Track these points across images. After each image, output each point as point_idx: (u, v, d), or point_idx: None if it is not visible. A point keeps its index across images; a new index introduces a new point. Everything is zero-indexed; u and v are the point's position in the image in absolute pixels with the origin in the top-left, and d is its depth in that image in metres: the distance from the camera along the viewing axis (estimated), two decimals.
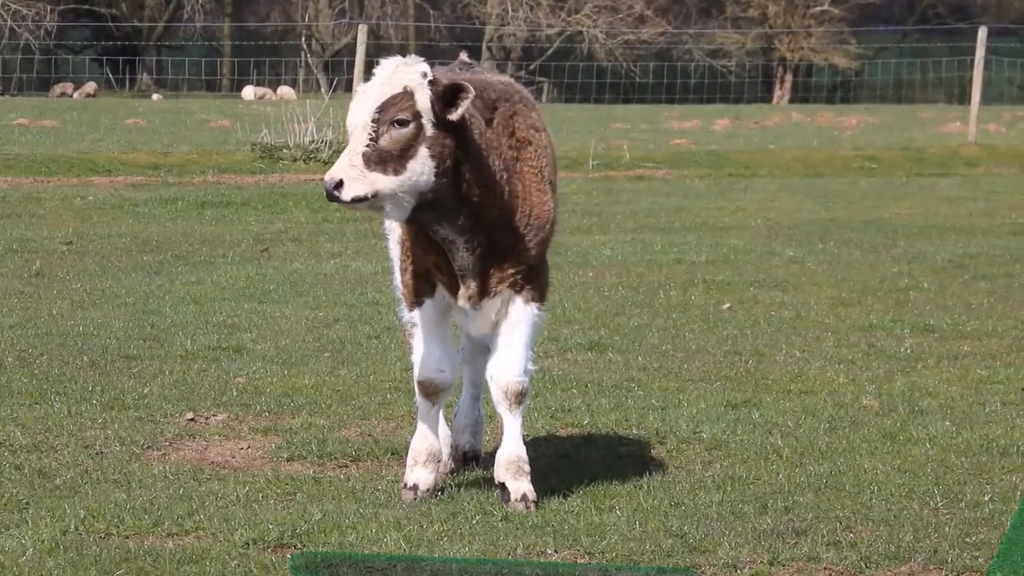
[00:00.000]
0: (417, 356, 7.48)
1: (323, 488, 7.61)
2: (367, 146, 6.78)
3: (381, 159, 6.78)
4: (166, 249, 16.87)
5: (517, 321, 7.32)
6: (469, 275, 7.21)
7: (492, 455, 7.58)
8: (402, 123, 6.83)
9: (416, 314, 7.44)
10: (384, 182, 6.78)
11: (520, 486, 7.31)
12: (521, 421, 7.40)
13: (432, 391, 7.46)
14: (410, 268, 7.41)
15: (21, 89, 54.27)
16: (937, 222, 20.50)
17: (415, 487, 7.45)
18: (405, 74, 6.88)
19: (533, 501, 7.29)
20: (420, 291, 7.41)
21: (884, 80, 61.25)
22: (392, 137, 6.81)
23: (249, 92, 53.98)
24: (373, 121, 6.80)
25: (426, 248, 7.27)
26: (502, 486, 7.36)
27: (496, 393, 7.34)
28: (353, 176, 6.74)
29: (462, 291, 7.24)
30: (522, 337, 7.33)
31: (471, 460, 8.11)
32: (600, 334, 12.01)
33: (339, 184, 6.73)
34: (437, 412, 7.57)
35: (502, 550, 6.61)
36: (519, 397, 7.33)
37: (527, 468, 7.35)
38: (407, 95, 6.84)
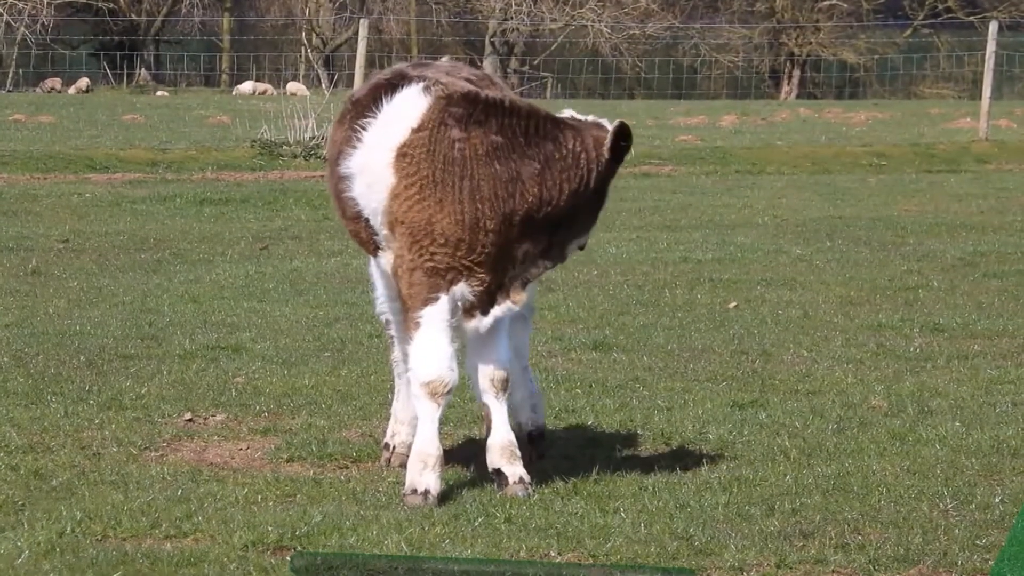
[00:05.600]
0: (426, 355, 7.42)
1: (323, 489, 7.57)
2: None
3: None
4: (164, 247, 16.80)
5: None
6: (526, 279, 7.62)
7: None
8: None
9: (426, 311, 7.42)
10: None
11: (516, 469, 7.51)
12: (506, 407, 7.59)
13: (442, 390, 7.46)
14: (425, 265, 7.39)
15: (17, 85, 54.30)
16: (947, 219, 20.38)
17: (426, 492, 7.40)
18: None
19: (529, 483, 7.48)
20: (438, 287, 7.42)
21: (893, 75, 61.15)
22: None
23: (247, 87, 53.89)
24: None
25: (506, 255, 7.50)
26: (498, 472, 7.53)
27: (483, 382, 7.57)
28: None
29: (512, 294, 7.53)
30: (503, 328, 7.59)
31: (537, 439, 8.08)
32: (605, 333, 11.93)
33: None
34: (440, 414, 7.53)
35: (505, 552, 6.60)
36: (504, 384, 7.57)
37: (519, 452, 7.56)
38: None
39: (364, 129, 7.60)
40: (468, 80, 7.67)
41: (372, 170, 7.52)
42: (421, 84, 7.55)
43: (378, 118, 7.57)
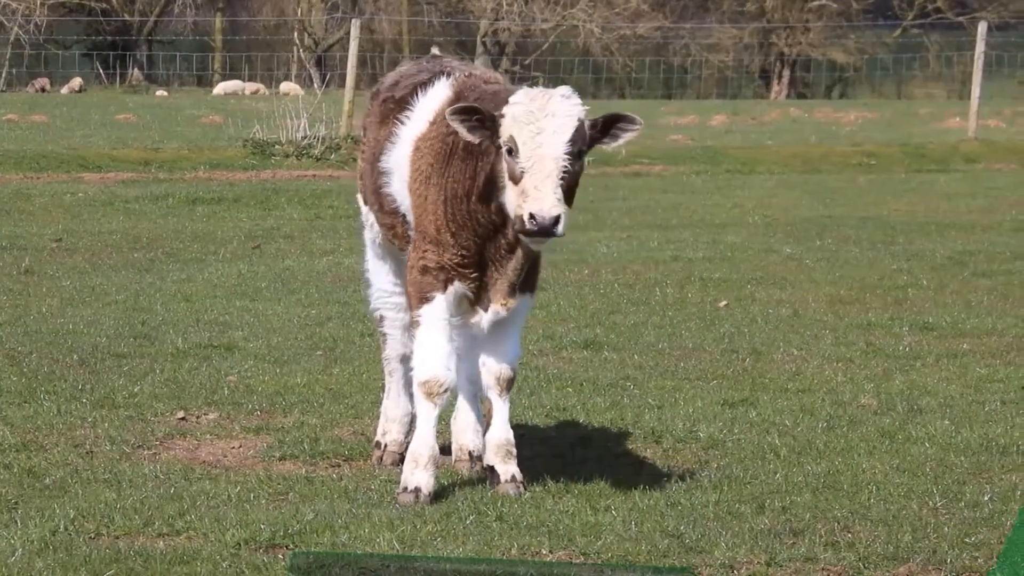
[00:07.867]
0: (423, 355, 7.40)
1: (315, 488, 7.56)
2: (562, 178, 7.02)
3: (565, 190, 7.06)
4: (157, 246, 16.80)
5: (514, 312, 7.48)
6: (509, 282, 7.36)
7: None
8: (580, 155, 7.13)
9: (424, 310, 7.39)
10: (566, 212, 7.05)
11: (509, 468, 7.48)
12: (509, 406, 7.55)
13: (438, 390, 7.42)
14: (420, 263, 7.36)
15: (11, 84, 54.23)
16: (936, 219, 20.43)
17: (417, 490, 7.38)
18: (576, 107, 7.10)
19: (521, 482, 7.46)
20: (432, 286, 7.38)
21: (883, 75, 61.20)
22: (574, 169, 7.10)
23: (229, 86, 53.73)
24: (566, 153, 7.03)
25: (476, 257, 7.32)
26: (491, 469, 7.50)
27: (488, 379, 7.51)
28: (562, 210, 6.99)
29: (499, 298, 7.37)
30: (516, 326, 7.53)
31: (478, 460, 8.02)
32: (596, 332, 11.94)
33: (557, 220, 6.95)
34: (438, 414, 7.50)
35: (496, 551, 6.58)
36: (510, 383, 7.53)
37: (515, 452, 7.51)
38: (581, 127, 7.11)
39: (403, 124, 7.55)
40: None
41: (402, 164, 7.49)
42: (450, 77, 7.51)
43: (414, 112, 7.53)
